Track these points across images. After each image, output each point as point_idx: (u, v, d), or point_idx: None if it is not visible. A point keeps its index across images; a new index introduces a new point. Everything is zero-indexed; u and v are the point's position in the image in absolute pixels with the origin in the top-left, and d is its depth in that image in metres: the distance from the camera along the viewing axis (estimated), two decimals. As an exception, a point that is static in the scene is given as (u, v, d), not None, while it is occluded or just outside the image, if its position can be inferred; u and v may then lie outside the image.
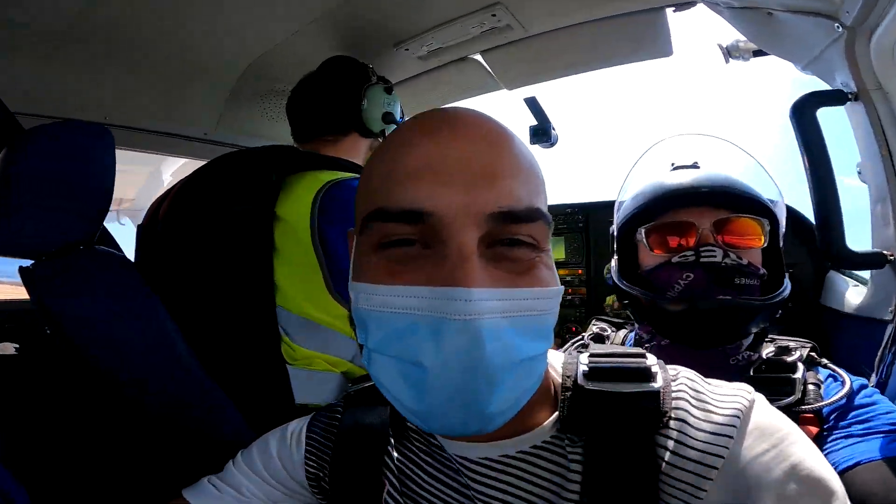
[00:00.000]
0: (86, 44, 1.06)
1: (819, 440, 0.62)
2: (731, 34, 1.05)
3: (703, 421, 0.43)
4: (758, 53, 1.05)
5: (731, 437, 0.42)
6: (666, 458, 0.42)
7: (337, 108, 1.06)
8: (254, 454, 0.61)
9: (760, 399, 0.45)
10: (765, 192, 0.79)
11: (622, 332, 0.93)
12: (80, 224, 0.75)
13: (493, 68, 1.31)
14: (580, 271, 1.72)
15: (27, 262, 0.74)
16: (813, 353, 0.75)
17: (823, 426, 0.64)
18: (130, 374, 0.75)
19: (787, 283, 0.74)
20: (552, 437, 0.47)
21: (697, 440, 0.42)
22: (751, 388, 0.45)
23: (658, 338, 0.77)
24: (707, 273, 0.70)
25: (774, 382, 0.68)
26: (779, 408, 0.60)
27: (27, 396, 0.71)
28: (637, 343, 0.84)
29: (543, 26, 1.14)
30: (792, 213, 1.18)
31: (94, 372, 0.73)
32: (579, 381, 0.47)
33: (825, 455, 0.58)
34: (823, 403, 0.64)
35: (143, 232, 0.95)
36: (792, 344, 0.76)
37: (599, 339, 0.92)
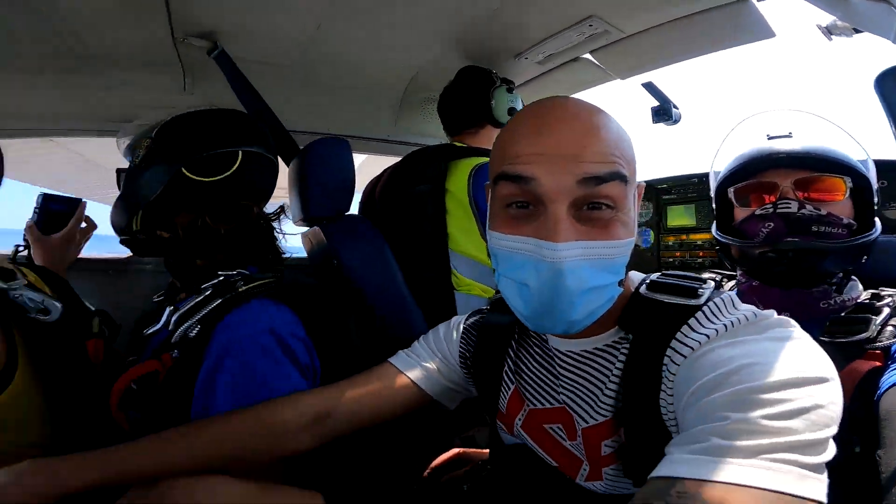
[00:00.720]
0: (306, 73, 1.54)
1: (878, 373, 0.66)
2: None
3: (701, 325, 0.53)
4: (858, 29, 1.04)
5: (708, 336, 0.50)
6: (668, 354, 0.53)
7: (472, 108, 1.42)
8: (430, 336, 0.85)
9: (783, 322, 0.50)
10: (854, 155, 0.85)
11: (732, 283, 1.03)
12: (342, 201, 1.22)
13: (604, 64, 1.51)
14: (710, 235, 1.76)
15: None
16: None
17: (887, 361, 0.68)
18: (373, 293, 1.14)
19: (875, 231, 0.80)
20: (620, 338, 0.61)
21: (689, 338, 0.52)
22: (772, 314, 0.52)
23: (750, 279, 0.87)
24: (784, 222, 0.79)
25: (853, 322, 0.74)
26: (847, 343, 0.71)
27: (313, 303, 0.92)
28: (738, 286, 0.92)
29: (638, 27, 1.31)
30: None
31: (354, 291, 1.13)
32: (640, 290, 0.61)
33: (880, 383, 0.64)
34: (893, 341, 0.68)
35: (363, 206, 1.51)
36: (888, 291, 0.81)
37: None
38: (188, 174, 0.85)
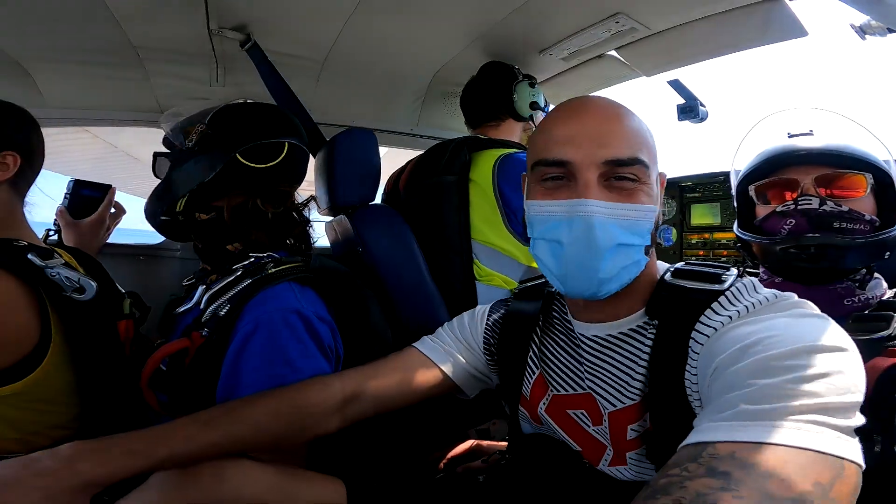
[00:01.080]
0: (333, 67, 1.57)
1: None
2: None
3: (724, 308, 0.56)
4: (892, 29, 1.02)
5: (730, 317, 0.54)
6: (693, 336, 0.56)
7: (495, 102, 1.44)
8: (454, 324, 0.89)
9: (802, 303, 0.53)
10: (879, 154, 0.84)
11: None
12: (368, 191, 1.25)
13: (630, 61, 1.50)
14: (734, 234, 1.74)
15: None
16: None
17: None
18: (396, 280, 1.17)
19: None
20: (644, 323, 0.65)
21: (712, 320, 0.55)
22: (792, 296, 0.55)
23: (773, 276, 0.87)
24: (806, 218, 0.79)
25: (873, 319, 0.74)
26: (868, 340, 0.70)
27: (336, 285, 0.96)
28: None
29: (665, 24, 1.29)
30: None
31: (378, 278, 1.16)
32: (665, 277, 0.65)
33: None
34: None
35: (386, 196, 1.53)
36: None
37: None
38: (242, 160, 0.92)
